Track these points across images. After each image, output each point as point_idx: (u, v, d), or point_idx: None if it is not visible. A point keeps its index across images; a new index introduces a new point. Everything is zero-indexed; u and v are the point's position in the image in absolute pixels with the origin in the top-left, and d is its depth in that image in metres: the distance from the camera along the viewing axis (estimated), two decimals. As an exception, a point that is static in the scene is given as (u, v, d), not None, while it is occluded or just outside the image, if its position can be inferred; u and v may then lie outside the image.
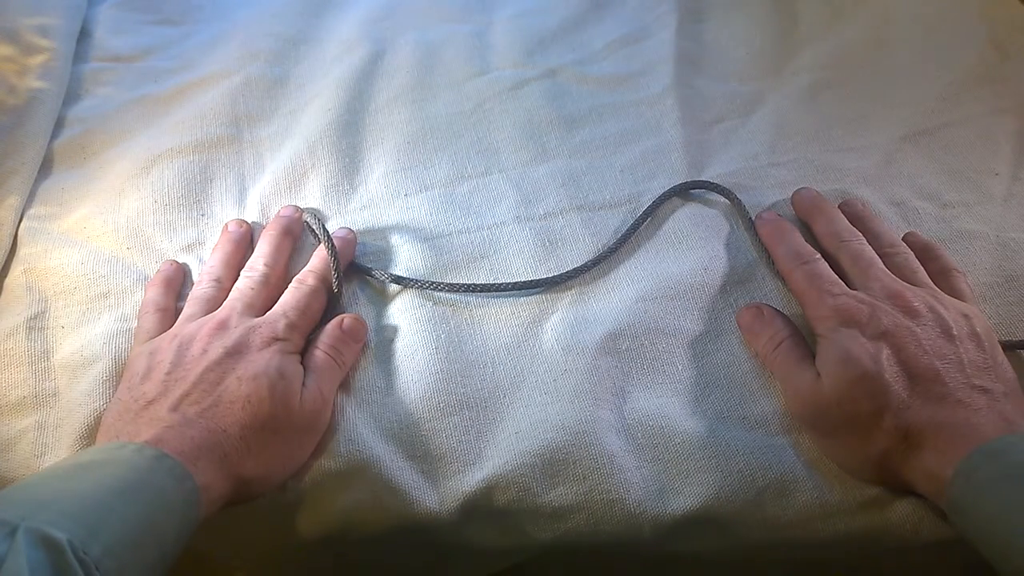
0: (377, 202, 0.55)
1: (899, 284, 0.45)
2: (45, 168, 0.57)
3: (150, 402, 0.42)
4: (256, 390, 0.42)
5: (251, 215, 0.54)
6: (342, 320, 0.48)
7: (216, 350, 0.43)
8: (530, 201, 0.54)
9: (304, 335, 0.47)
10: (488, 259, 0.52)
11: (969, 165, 0.56)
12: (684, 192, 0.54)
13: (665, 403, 0.46)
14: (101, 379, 0.46)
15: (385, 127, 0.59)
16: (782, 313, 0.48)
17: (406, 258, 0.52)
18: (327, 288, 0.49)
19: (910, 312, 0.44)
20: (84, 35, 0.65)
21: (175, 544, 0.37)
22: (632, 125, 0.59)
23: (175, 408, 0.41)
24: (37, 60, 0.59)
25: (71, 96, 0.61)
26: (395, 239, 0.53)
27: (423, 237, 0.53)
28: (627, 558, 0.45)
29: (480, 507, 0.43)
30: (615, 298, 0.50)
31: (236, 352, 0.43)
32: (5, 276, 0.51)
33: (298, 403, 0.43)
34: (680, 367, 0.47)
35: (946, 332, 0.43)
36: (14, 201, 0.53)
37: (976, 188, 0.55)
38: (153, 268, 0.51)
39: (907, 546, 0.43)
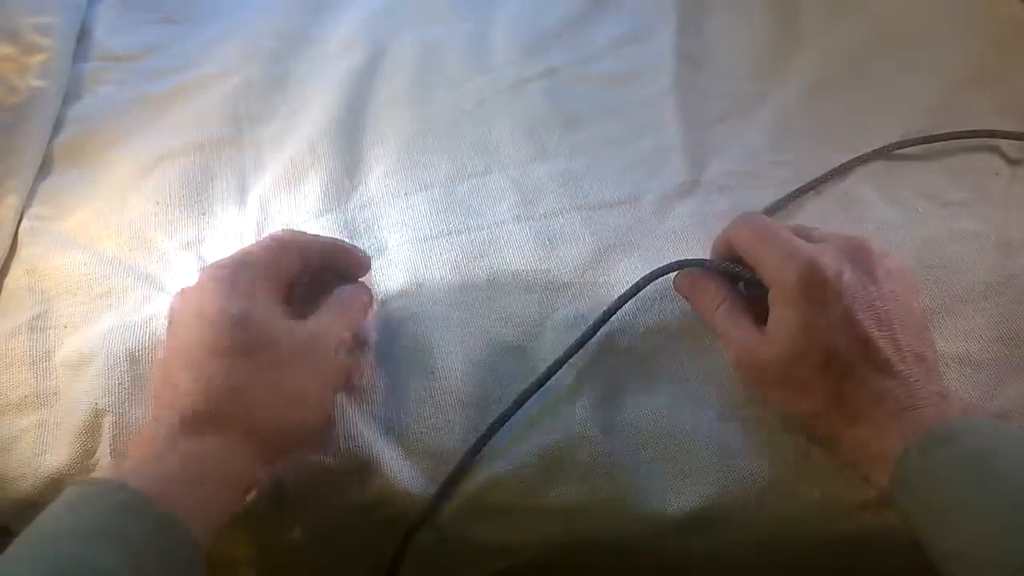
0: (377, 201, 0.55)
1: (858, 237, 0.44)
2: (45, 167, 0.57)
3: None
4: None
5: (252, 214, 0.54)
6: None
7: None
8: (530, 200, 0.54)
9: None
10: (488, 258, 0.52)
11: (969, 165, 0.56)
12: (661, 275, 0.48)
13: (666, 403, 0.46)
14: (98, 377, 0.46)
15: (385, 126, 0.59)
16: (718, 276, 0.47)
17: (406, 258, 0.52)
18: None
19: (869, 266, 0.42)
20: (84, 34, 0.65)
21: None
22: (632, 124, 0.59)
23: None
24: (37, 59, 0.59)
25: (71, 95, 0.61)
26: (395, 238, 0.53)
27: (423, 236, 0.53)
28: (627, 558, 0.45)
29: (481, 506, 0.43)
30: (615, 297, 0.50)
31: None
32: (6, 276, 0.51)
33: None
34: (681, 367, 0.47)
35: (896, 291, 0.42)
36: (14, 200, 0.53)
37: (976, 188, 0.55)
38: (154, 268, 0.51)
39: (907, 546, 0.43)
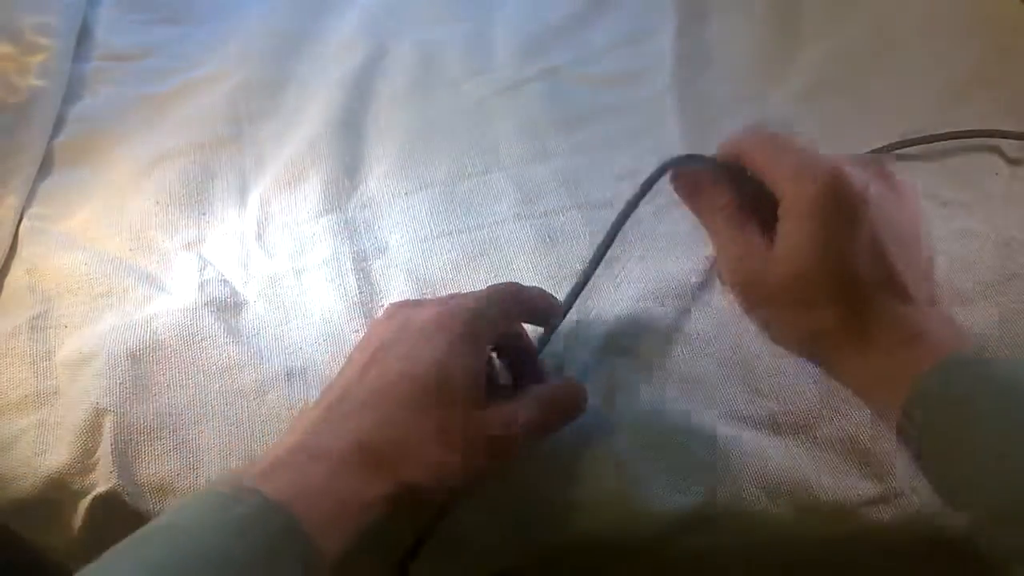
0: (377, 201, 0.55)
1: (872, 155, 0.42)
2: (45, 167, 0.57)
3: None
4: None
5: (252, 214, 0.54)
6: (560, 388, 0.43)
7: None
8: (530, 200, 0.54)
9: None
10: (488, 257, 0.52)
11: (969, 165, 0.56)
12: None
13: (666, 402, 0.46)
14: (99, 376, 0.46)
15: (385, 126, 0.59)
16: (723, 181, 0.43)
17: (406, 257, 0.52)
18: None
19: (890, 183, 0.40)
20: (84, 34, 0.65)
21: None
22: (632, 124, 0.59)
23: None
24: (37, 59, 0.59)
25: (71, 95, 0.61)
26: (395, 238, 0.53)
27: (423, 236, 0.53)
28: (628, 557, 0.45)
29: (481, 506, 0.43)
30: (615, 297, 0.50)
31: None
32: (6, 276, 0.51)
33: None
34: (681, 366, 0.47)
35: (916, 213, 0.40)
36: (14, 200, 0.53)
37: (976, 188, 0.55)
38: (155, 267, 0.52)
39: (908, 546, 0.43)
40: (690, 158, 0.44)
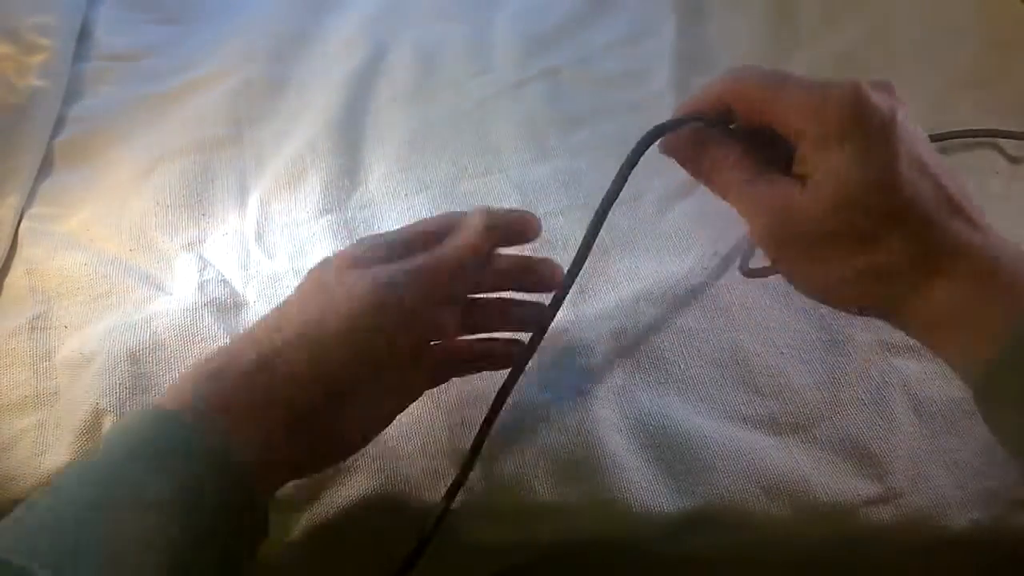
0: (377, 201, 0.55)
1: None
2: (45, 167, 0.57)
3: None
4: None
5: (252, 214, 0.54)
6: None
7: None
8: (531, 201, 0.54)
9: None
10: (488, 258, 0.52)
11: (969, 164, 0.56)
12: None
13: (667, 402, 0.46)
14: (99, 377, 0.46)
15: (385, 126, 0.59)
16: (719, 135, 0.39)
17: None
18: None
19: (902, 103, 0.35)
20: (84, 34, 0.65)
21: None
22: (632, 124, 0.59)
23: None
24: (37, 59, 0.59)
25: (71, 95, 0.61)
26: (396, 238, 0.53)
27: (424, 236, 0.53)
28: (628, 558, 0.45)
29: (481, 506, 0.43)
30: (616, 297, 0.50)
31: None
32: (6, 276, 0.51)
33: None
34: (682, 366, 0.47)
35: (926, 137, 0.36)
36: (14, 200, 0.53)
37: (976, 187, 0.54)
38: (155, 268, 0.51)
39: (908, 546, 0.43)
40: (681, 121, 0.40)
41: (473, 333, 0.44)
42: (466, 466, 0.43)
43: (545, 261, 0.43)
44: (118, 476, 0.32)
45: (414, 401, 0.42)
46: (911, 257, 0.33)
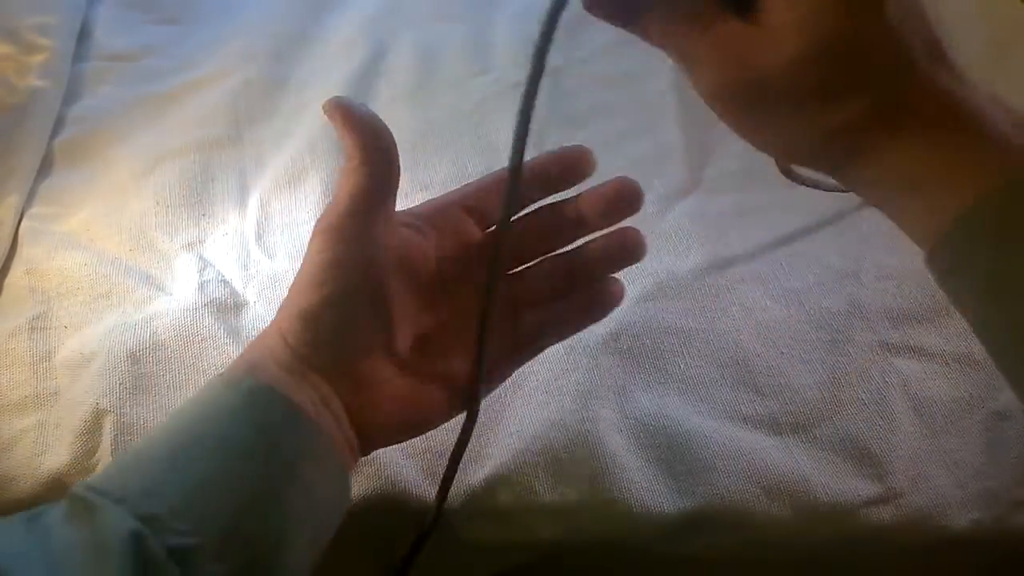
0: (378, 201, 0.55)
1: None
2: (45, 167, 0.57)
3: None
4: None
5: (252, 214, 0.54)
6: None
7: None
8: (531, 200, 0.54)
9: None
10: (488, 258, 0.52)
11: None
12: None
13: (667, 402, 0.46)
14: (99, 377, 0.46)
15: (385, 127, 0.59)
16: None
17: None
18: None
19: None
20: (84, 34, 0.65)
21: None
22: (632, 125, 0.59)
23: None
24: (37, 59, 0.59)
25: (71, 95, 0.61)
26: (396, 238, 0.53)
27: (424, 236, 0.53)
28: (628, 558, 0.45)
29: (481, 505, 0.43)
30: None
31: None
32: (6, 276, 0.51)
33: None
34: (682, 366, 0.47)
35: None
36: (14, 200, 0.53)
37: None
38: (155, 268, 0.52)
39: (908, 546, 0.43)
40: None
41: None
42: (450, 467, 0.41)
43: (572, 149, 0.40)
44: (205, 427, 0.33)
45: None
46: (884, 109, 0.28)
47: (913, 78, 0.29)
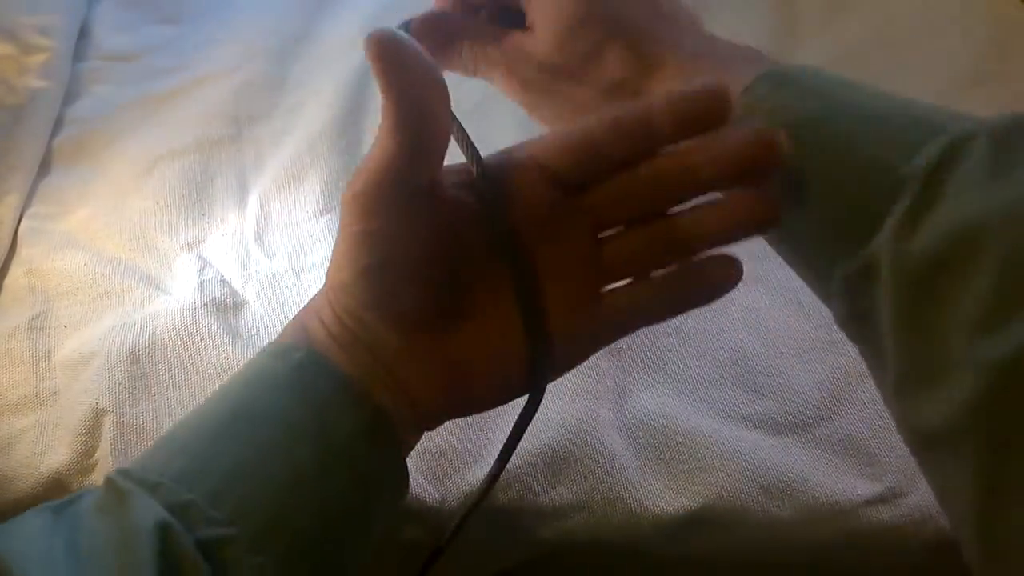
0: (377, 201, 0.55)
1: None
2: (44, 167, 0.57)
3: None
4: None
5: (252, 214, 0.54)
6: None
7: None
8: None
9: None
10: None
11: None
12: None
13: (666, 402, 0.46)
14: (98, 376, 0.46)
15: (385, 126, 0.59)
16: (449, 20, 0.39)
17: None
18: None
19: None
20: (84, 34, 0.65)
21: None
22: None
23: None
24: (37, 59, 0.59)
25: (71, 95, 0.61)
26: (395, 238, 0.53)
27: (423, 236, 0.53)
28: (628, 558, 0.45)
29: (482, 506, 0.43)
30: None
31: None
32: (5, 276, 0.51)
33: None
34: (681, 366, 0.47)
35: None
36: (14, 200, 0.53)
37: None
38: (154, 267, 0.52)
39: (908, 546, 0.43)
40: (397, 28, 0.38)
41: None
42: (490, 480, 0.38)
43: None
44: (251, 402, 0.31)
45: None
46: (631, 64, 0.35)
47: (641, 37, 0.35)
